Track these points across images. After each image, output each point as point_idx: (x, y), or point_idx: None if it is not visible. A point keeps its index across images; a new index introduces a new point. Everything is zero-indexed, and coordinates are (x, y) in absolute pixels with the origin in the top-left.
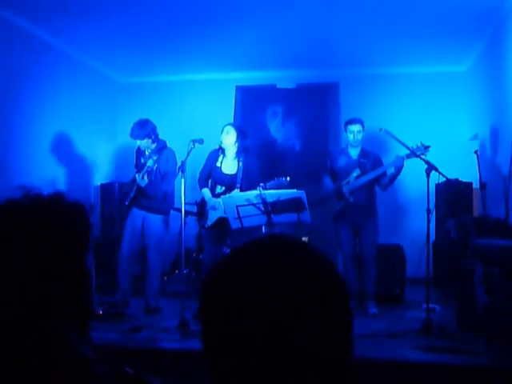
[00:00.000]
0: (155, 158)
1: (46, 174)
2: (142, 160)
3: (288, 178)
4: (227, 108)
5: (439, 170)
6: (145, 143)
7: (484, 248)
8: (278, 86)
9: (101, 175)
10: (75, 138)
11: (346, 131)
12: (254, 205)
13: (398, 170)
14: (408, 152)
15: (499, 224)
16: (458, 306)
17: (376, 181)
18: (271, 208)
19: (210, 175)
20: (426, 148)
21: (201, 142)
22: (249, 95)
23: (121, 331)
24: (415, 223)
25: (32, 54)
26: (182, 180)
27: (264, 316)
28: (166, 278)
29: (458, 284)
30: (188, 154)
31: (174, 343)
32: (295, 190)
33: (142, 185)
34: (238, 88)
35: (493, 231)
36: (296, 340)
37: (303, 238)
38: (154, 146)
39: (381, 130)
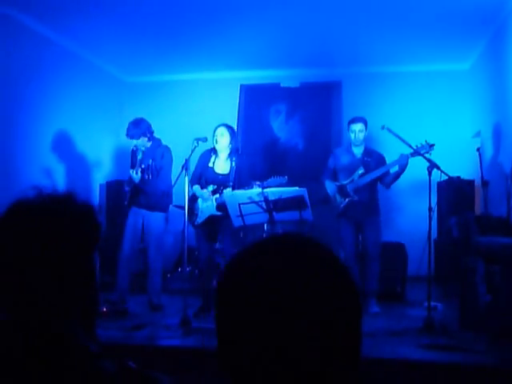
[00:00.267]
0: (151, 156)
1: (49, 171)
2: (139, 157)
3: (286, 177)
4: (231, 106)
5: (441, 167)
6: (141, 142)
7: (486, 246)
8: (281, 85)
9: (106, 173)
10: (80, 136)
11: (348, 130)
12: (256, 203)
13: (403, 168)
14: (410, 149)
15: (501, 222)
16: (459, 305)
17: (380, 179)
18: (273, 206)
19: (202, 176)
20: (431, 146)
21: (204, 140)
22: (253, 94)
23: (123, 329)
24: (417, 221)
25: (37, 52)
26: (186, 178)
27: (276, 314)
28: (169, 275)
29: (460, 282)
30: (192, 152)
31: (176, 340)
32: (297, 188)
33: (137, 180)
34: (242, 86)
35: (495, 229)
36: (307, 338)
37: None
38: (149, 144)
39: (383, 127)
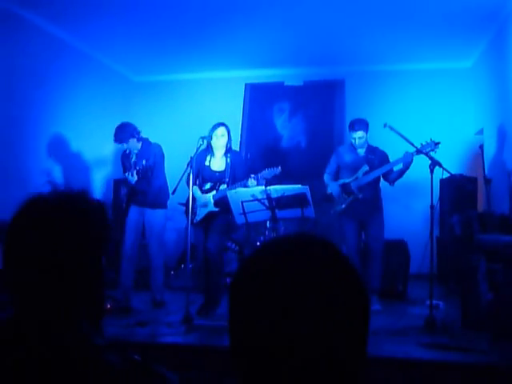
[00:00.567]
0: (144, 156)
1: (58, 168)
2: (133, 159)
3: (280, 168)
4: (236, 105)
5: (444, 165)
6: (131, 144)
7: (488, 244)
8: (285, 84)
9: (113, 171)
10: (87, 134)
11: (349, 132)
12: (259, 200)
13: (407, 165)
14: (411, 146)
15: (503, 220)
16: (461, 303)
17: (384, 176)
18: (276, 203)
19: (199, 174)
20: (436, 144)
21: (210, 138)
22: (257, 92)
23: (126, 326)
24: (419, 219)
25: (48, 52)
26: (191, 175)
27: (288, 314)
28: (172, 272)
29: (462, 280)
30: (197, 150)
31: (178, 337)
32: (299, 186)
33: (133, 182)
34: (247, 85)
35: (497, 227)
36: (318, 337)
37: None
38: (139, 144)
39: (385, 125)
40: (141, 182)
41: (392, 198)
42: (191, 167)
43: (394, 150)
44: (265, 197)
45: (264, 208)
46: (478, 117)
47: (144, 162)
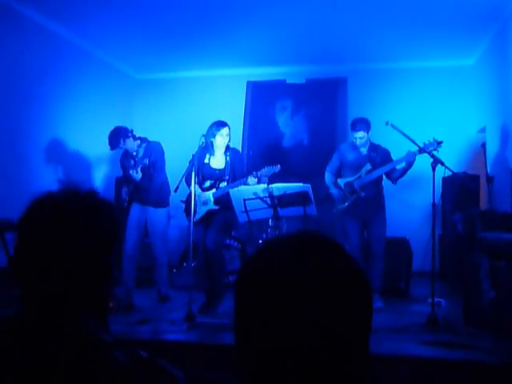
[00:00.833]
0: (146, 154)
1: (61, 167)
2: (138, 155)
3: (278, 166)
4: (238, 103)
5: (446, 163)
6: (128, 144)
7: (490, 242)
8: (287, 82)
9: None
10: (89, 132)
11: (351, 131)
12: (261, 198)
13: (410, 164)
14: (413, 144)
15: (506, 218)
16: (463, 301)
17: (386, 175)
18: (278, 201)
19: (198, 172)
20: (439, 143)
21: (213, 137)
22: (259, 90)
23: (128, 323)
24: (422, 216)
25: (49, 49)
26: (193, 173)
27: (293, 311)
28: (174, 270)
29: (464, 278)
30: (199, 147)
31: (180, 335)
32: (302, 184)
33: (138, 179)
34: (249, 83)
35: (499, 225)
36: (322, 335)
37: None
38: (137, 142)
39: (387, 123)
40: (144, 179)
41: (394, 195)
42: (193, 165)
43: (397, 148)
44: (267, 195)
45: (266, 206)
46: (480, 115)
47: (146, 160)
